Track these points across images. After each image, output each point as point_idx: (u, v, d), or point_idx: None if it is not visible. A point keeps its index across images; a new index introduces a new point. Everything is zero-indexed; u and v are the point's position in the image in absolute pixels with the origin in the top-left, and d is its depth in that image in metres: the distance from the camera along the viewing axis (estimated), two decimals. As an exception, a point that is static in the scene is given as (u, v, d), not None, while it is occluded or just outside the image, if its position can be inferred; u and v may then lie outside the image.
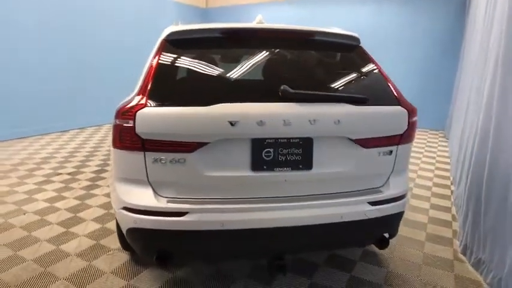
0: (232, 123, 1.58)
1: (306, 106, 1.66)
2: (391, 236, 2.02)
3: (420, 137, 6.93)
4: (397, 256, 2.52)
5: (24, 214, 3.10)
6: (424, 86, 7.65)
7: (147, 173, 1.66)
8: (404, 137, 1.85)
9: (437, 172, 4.66)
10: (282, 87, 1.65)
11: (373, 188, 1.88)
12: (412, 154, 5.51)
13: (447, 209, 3.42)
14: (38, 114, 6.30)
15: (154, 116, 1.58)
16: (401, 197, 1.91)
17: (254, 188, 1.73)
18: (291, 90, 1.65)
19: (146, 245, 1.77)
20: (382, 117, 1.78)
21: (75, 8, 6.66)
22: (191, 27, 1.89)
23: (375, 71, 1.95)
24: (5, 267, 2.29)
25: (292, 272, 2.26)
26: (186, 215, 1.63)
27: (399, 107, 1.81)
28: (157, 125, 1.58)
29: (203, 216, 1.64)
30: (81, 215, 3.10)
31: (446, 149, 5.96)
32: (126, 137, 1.61)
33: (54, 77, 6.43)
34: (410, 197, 3.72)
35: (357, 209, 1.77)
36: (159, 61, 1.75)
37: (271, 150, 1.67)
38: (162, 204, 1.65)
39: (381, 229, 1.94)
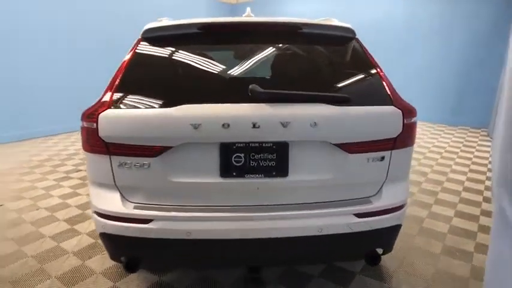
0: (195, 126, 1.47)
1: (278, 107, 1.51)
2: (385, 251, 1.80)
3: (458, 135, 6.37)
4: (403, 270, 2.28)
5: (37, 210, 3.23)
6: (464, 79, 7.02)
7: (114, 177, 1.60)
8: (400, 141, 1.62)
9: (470, 175, 4.22)
10: (250, 86, 1.49)
11: (362, 198, 1.67)
12: (446, 154, 5.08)
13: (474, 218, 3.06)
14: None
15: (116, 119, 1.52)
16: (396, 209, 1.69)
17: (224, 196, 1.61)
18: (260, 90, 1.49)
19: (114, 250, 1.72)
20: (370, 119, 1.57)
21: (104, 8, 6.90)
22: (167, 23, 1.81)
23: (367, 67, 1.73)
24: (5, 263, 2.38)
25: (282, 283, 2.12)
26: (151, 223, 1.56)
27: (391, 107, 1.58)
28: (119, 128, 1.52)
29: (168, 224, 1.56)
30: (88, 212, 3.18)
31: (487, 149, 5.41)
32: (92, 141, 1.57)
33: (88, 76, 6.72)
34: (433, 202, 3.39)
35: (339, 221, 1.59)
36: (130, 60, 1.69)
37: (242, 155, 1.54)
38: (128, 210, 1.59)
39: (371, 244, 1.73)
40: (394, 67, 6.89)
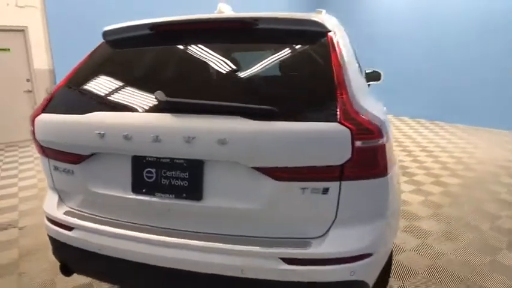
0: (100, 136, 1.38)
1: (184, 119, 1.29)
2: None
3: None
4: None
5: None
6: None
7: (53, 180, 1.64)
8: (352, 170, 1.22)
9: None
10: (155, 94, 1.30)
11: (296, 239, 1.32)
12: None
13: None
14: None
15: (45, 124, 1.53)
16: (351, 259, 1.28)
17: (135, 214, 1.48)
18: (164, 98, 1.29)
19: (53, 251, 1.72)
20: (300, 138, 1.20)
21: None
22: (121, 24, 1.70)
23: (322, 72, 1.35)
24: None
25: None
26: (72, 230, 1.55)
27: (335, 124, 1.18)
28: (47, 133, 1.54)
29: (85, 235, 1.52)
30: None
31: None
32: (35, 142, 1.63)
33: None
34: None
35: (264, 265, 1.28)
36: (79, 64, 1.68)
37: (153, 170, 1.38)
38: (58, 214, 1.61)
39: None
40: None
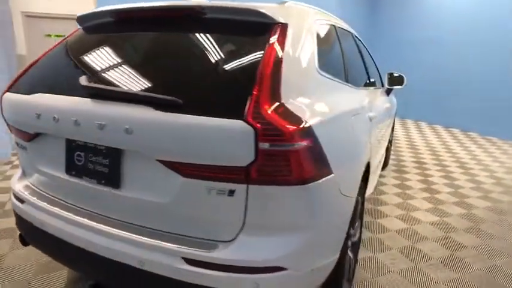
0: (37, 116, 1.46)
1: (98, 105, 1.31)
2: None
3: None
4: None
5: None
6: None
7: (19, 155, 1.76)
8: (260, 174, 1.12)
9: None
10: (80, 78, 1.38)
11: (203, 240, 1.25)
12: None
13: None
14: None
15: (7, 102, 1.63)
16: (256, 270, 1.19)
17: (69, 194, 1.55)
18: (83, 83, 1.37)
19: (15, 222, 1.81)
20: (201, 134, 1.13)
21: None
22: (89, 11, 1.74)
23: (250, 66, 1.24)
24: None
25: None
26: (23, 204, 1.63)
27: (239, 121, 1.09)
28: (7, 110, 1.64)
29: (31, 209, 1.59)
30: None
31: None
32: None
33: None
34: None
35: (164, 261, 1.23)
36: (53, 46, 1.74)
37: (82, 154, 1.43)
38: (15, 187, 1.71)
39: None
40: None
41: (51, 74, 1.59)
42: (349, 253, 1.86)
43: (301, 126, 1.15)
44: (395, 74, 3.39)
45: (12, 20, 4.42)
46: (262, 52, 1.26)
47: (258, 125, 1.08)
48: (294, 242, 1.23)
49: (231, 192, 1.17)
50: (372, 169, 2.18)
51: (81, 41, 1.70)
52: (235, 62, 1.29)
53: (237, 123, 1.09)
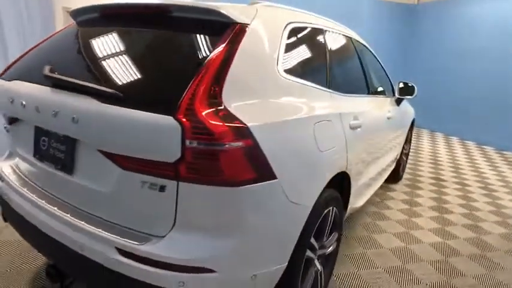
0: (11, 101, 1.56)
1: (54, 93, 1.40)
2: None
3: None
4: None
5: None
6: None
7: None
8: (188, 172, 1.12)
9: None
10: (44, 67, 1.45)
11: (140, 233, 1.26)
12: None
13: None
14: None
15: None
16: (180, 268, 1.17)
17: (36, 176, 1.64)
18: (45, 72, 1.43)
19: None
20: (134, 127, 1.15)
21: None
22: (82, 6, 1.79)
23: (194, 64, 1.25)
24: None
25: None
26: (3, 182, 1.71)
27: (168, 117, 1.09)
28: None
29: (6, 188, 1.67)
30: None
31: None
32: None
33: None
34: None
35: (98, 248, 1.26)
36: (48, 37, 1.82)
37: (46, 139, 1.51)
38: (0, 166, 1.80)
39: None
40: None
41: (32, 63, 1.68)
42: (318, 265, 1.80)
43: (236, 126, 1.13)
44: (408, 84, 3.22)
45: (54, 15, 4.62)
46: (212, 51, 1.25)
47: (186, 123, 1.08)
48: (224, 245, 1.21)
49: (162, 188, 1.18)
50: (353, 181, 2.06)
51: (65, 34, 1.79)
52: (184, 59, 1.32)
53: (166, 119, 1.09)
